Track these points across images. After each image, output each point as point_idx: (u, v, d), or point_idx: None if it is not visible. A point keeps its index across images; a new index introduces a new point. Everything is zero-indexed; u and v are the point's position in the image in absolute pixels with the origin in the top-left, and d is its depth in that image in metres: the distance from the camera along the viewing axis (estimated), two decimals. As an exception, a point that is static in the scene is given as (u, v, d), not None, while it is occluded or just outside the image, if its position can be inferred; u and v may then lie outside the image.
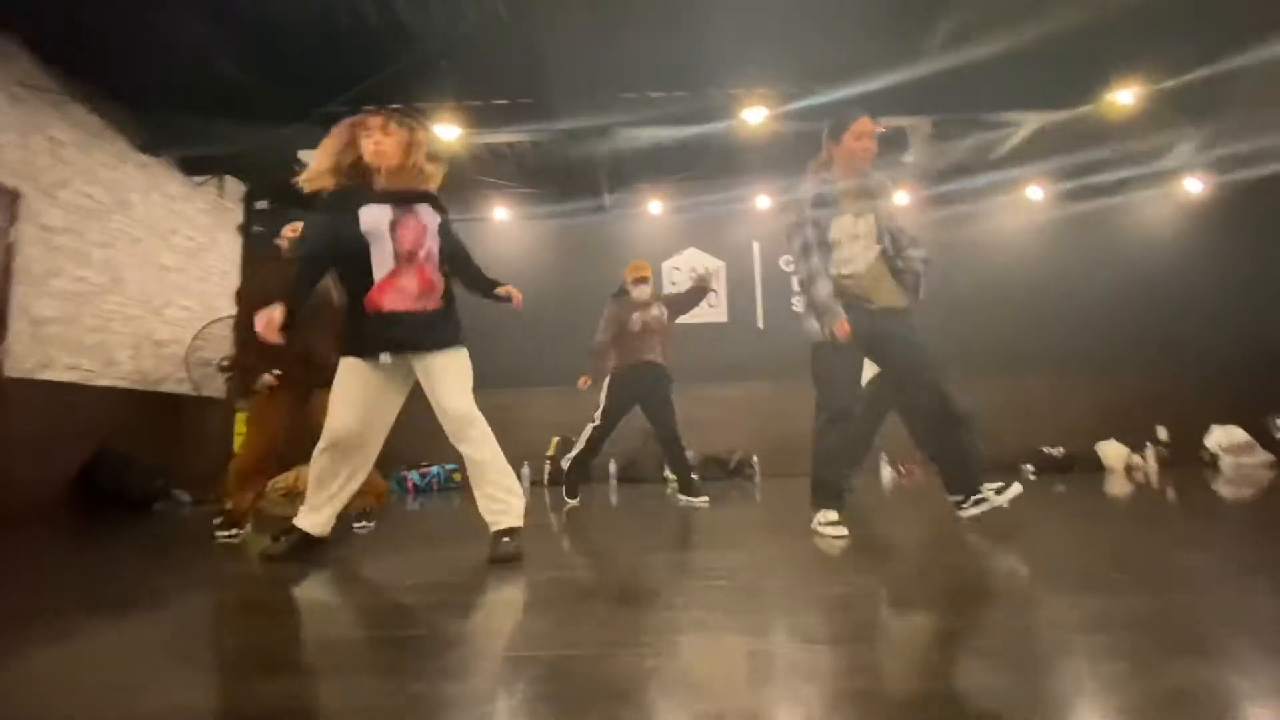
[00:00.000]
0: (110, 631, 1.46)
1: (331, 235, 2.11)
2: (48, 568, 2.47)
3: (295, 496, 6.18)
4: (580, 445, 4.04)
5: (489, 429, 2.18)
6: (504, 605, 1.60)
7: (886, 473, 6.33)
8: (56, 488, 4.81)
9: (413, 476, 6.34)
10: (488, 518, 2.16)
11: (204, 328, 6.13)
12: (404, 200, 2.14)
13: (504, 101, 5.61)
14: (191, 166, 6.41)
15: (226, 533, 3.08)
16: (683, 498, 3.92)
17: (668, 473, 6.55)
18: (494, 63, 5.24)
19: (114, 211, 5.60)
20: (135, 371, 5.75)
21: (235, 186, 7.12)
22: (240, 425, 6.73)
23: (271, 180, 6.90)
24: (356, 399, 2.14)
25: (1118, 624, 1.22)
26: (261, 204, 7.17)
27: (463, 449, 2.15)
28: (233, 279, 7.14)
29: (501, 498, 2.14)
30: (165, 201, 6.19)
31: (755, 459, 6.84)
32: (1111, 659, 1.02)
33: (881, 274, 2.47)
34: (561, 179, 7.01)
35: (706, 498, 3.92)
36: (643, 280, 4.10)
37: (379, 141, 2.13)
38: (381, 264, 2.10)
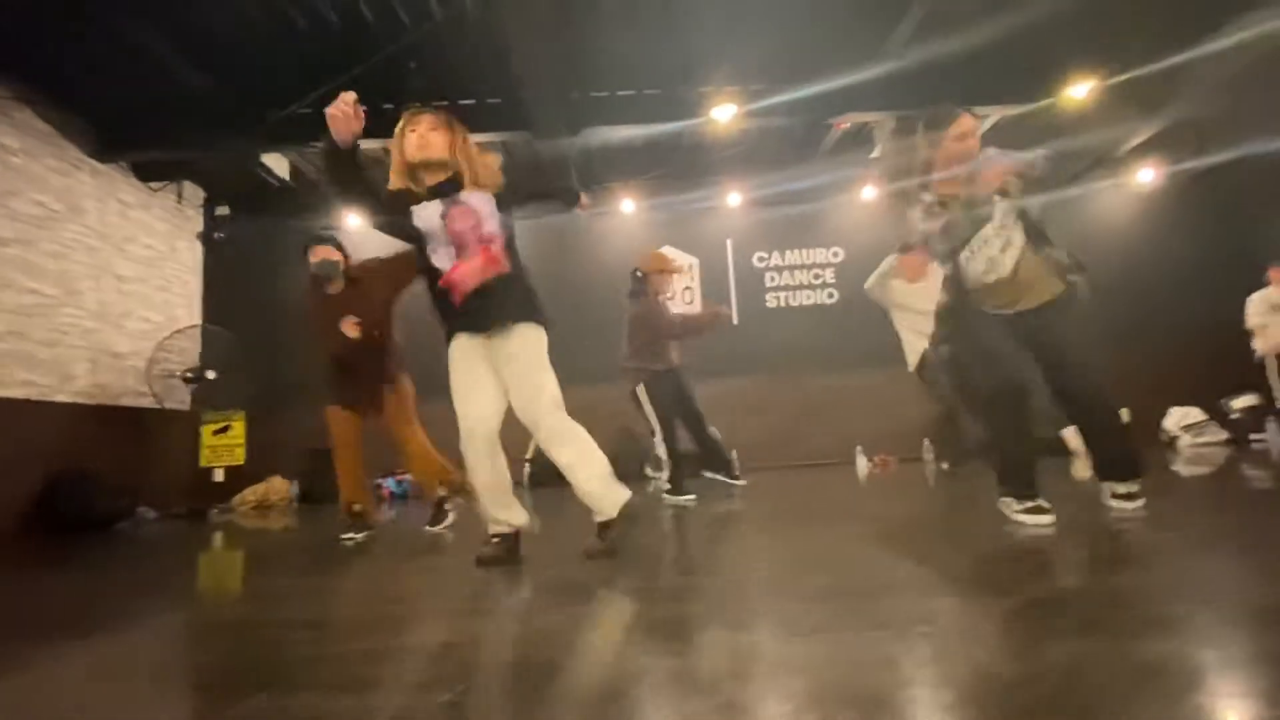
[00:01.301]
0: (76, 657, 1.41)
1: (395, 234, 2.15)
2: (7, 593, 2.38)
3: (266, 508, 6.04)
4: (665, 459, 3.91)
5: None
6: (489, 611, 1.59)
7: (862, 464, 6.43)
8: (14, 510, 4.63)
9: (389, 484, 6.25)
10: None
11: (165, 338, 5.95)
12: (452, 191, 2.10)
13: (471, 102, 5.56)
14: (148, 172, 6.22)
15: (359, 535, 3.10)
16: (670, 497, 3.85)
17: (649, 470, 6.55)
18: (462, 63, 5.18)
19: (67, 220, 5.40)
20: (94, 386, 5.56)
21: (195, 192, 6.92)
22: (207, 437, 6.55)
23: (232, 185, 6.73)
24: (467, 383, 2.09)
25: (1091, 603, 1.26)
26: (222, 210, 6.99)
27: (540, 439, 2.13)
28: (194, 287, 6.96)
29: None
30: (121, 209, 5.99)
31: (734, 454, 6.88)
32: (1085, 638, 1.06)
33: (1036, 272, 2.26)
34: (532, 179, 6.96)
35: (693, 496, 3.88)
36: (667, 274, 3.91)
37: (423, 135, 2.11)
38: (444, 261, 2.08)
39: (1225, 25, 4.85)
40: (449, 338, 2.12)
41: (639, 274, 3.93)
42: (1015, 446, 2.25)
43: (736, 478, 3.79)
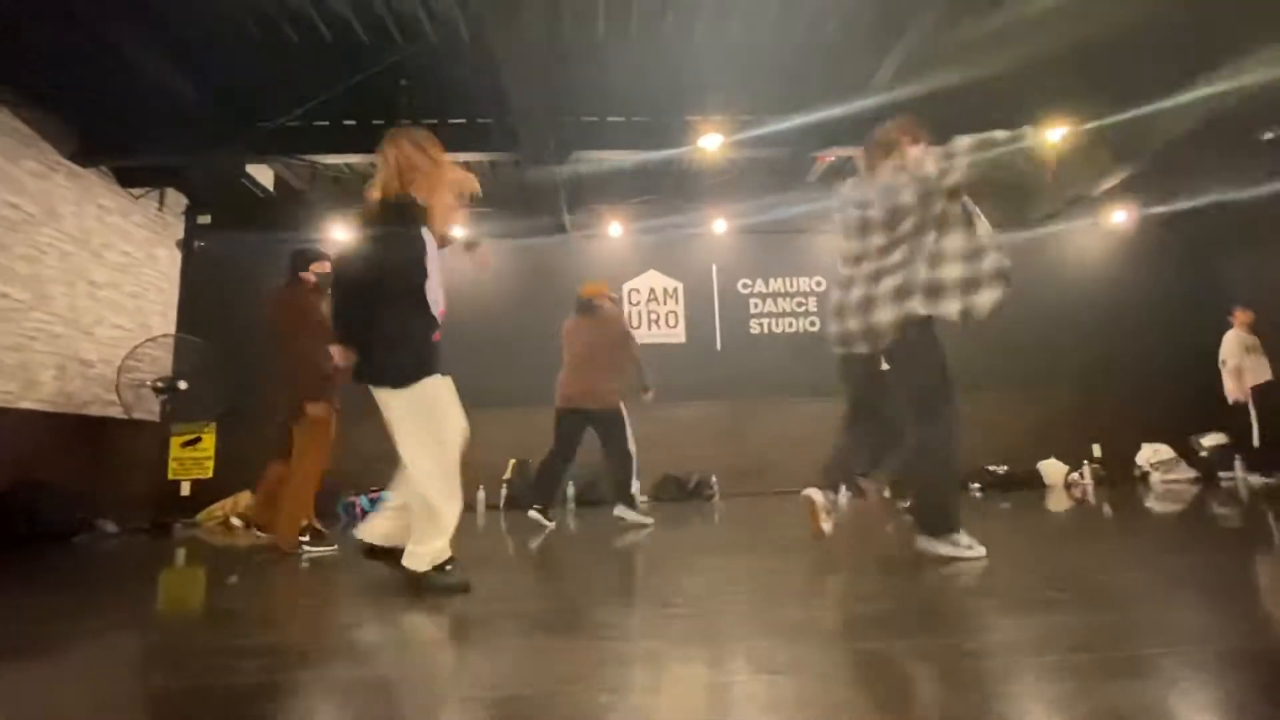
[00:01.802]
0: (19, 679, 1.34)
1: (403, 254, 2.08)
2: (-53, 610, 2.26)
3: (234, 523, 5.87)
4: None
5: None
6: (454, 643, 1.54)
7: (842, 493, 6.43)
8: (-36, 520, 4.44)
9: (361, 502, 6.12)
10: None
11: (137, 347, 5.81)
12: (437, 237, 2.19)
13: (462, 121, 5.59)
14: (129, 178, 6.14)
15: (328, 547, 3.21)
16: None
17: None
18: (453, 82, 5.22)
19: (42, 223, 5.30)
20: (60, 394, 5.40)
21: (176, 200, 6.84)
22: (175, 449, 6.38)
23: (216, 194, 6.67)
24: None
25: (1061, 644, 1.25)
26: (204, 218, 6.91)
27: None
28: (171, 296, 6.84)
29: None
30: (99, 214, 5.89)
31: (714, 479, 6.86)
32: (1055, 680, 1.05)
33: None
34: (520, 200, 6.99)
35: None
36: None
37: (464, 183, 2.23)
38: (434, 295, 2.13)
39: (1190, 79, 5.06)
40: (434, 370, 2.07)
41: (613, 296, 4.12)
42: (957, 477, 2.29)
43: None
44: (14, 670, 1.41)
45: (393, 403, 2.05)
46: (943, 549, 2.22)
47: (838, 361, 2.51)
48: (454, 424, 2.06)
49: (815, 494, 2.42)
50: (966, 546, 2.19)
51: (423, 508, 2.02)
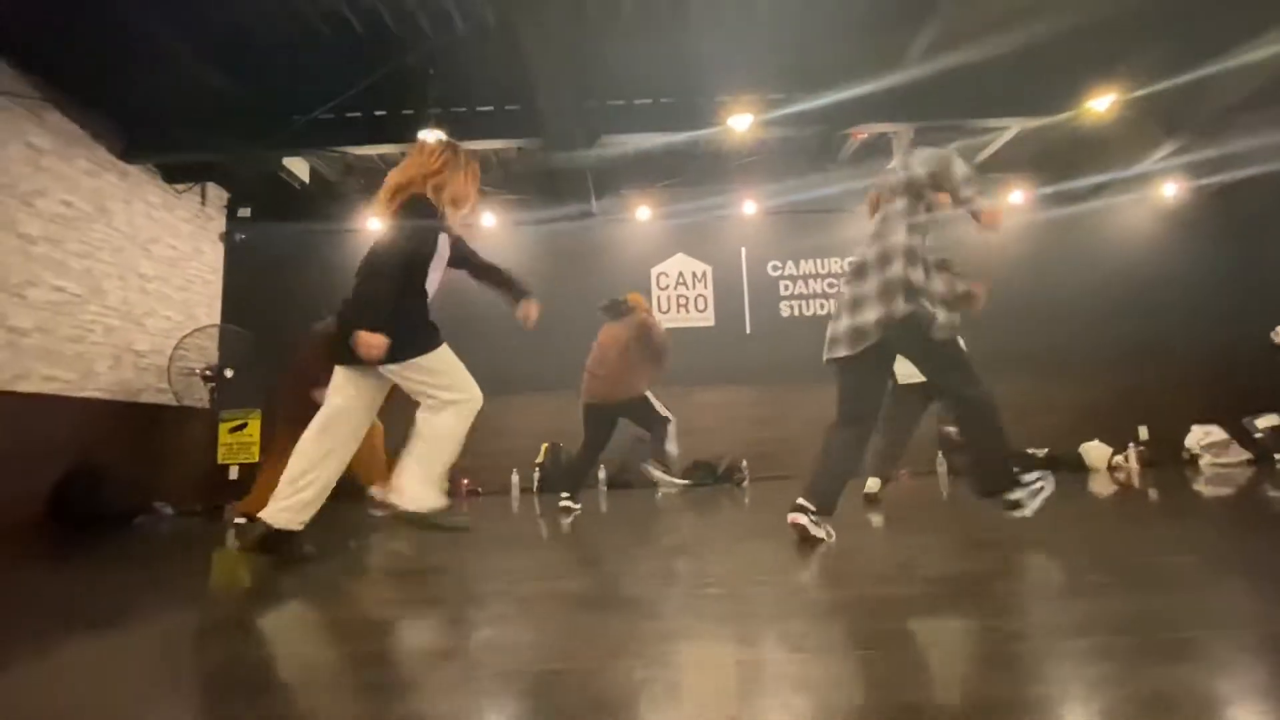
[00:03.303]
0: (87, 652, 1.43)
1: (420, 246, 2.29)
2: (20, 587, 2.42)
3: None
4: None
5: None
6: (489, 619, 1.59)
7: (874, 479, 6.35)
8: (31, 504, 4.72)
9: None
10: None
11: (185, 337, 6.05)
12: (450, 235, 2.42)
13: (489, 108, 5.62)
14: (174, 174, 6.36)
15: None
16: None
17: (652, 468, 6.54)
18: (481, 70, 5.24)
19: (94, 220, 5.53)
20: (115, 383, 5.67)
21: (218, 194, 7.06)
22: (224, 435, 6.64)
23: (255, 188, 6.86)
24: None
25: (1102, 627, 1.23)
26: (244, 212, 7.12)
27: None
28: (215, 287, 7.08)
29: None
30: (147, 210, 6.12)
31: (744, 463, 6.86)
32: (1096, 663, 1.03)
33: None
34: (548, 185, 7.01)
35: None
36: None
37: (468, 186, 2.44)
38: (432, 285, 2.38)
39: (1246, 41, 4.77)
40: (439, 342, 2.31)
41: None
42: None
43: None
44: (91, 641, 1.51)
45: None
46: (1018, 496, 2.21)
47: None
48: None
49: (798, 518, 2.35)
50: (1038, 482, 2.19)
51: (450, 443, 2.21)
